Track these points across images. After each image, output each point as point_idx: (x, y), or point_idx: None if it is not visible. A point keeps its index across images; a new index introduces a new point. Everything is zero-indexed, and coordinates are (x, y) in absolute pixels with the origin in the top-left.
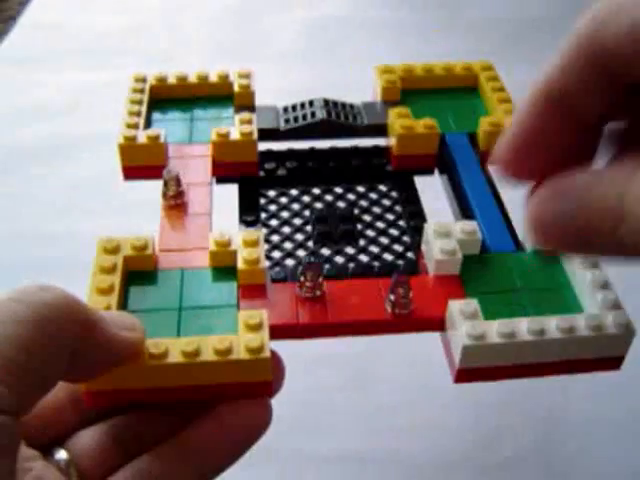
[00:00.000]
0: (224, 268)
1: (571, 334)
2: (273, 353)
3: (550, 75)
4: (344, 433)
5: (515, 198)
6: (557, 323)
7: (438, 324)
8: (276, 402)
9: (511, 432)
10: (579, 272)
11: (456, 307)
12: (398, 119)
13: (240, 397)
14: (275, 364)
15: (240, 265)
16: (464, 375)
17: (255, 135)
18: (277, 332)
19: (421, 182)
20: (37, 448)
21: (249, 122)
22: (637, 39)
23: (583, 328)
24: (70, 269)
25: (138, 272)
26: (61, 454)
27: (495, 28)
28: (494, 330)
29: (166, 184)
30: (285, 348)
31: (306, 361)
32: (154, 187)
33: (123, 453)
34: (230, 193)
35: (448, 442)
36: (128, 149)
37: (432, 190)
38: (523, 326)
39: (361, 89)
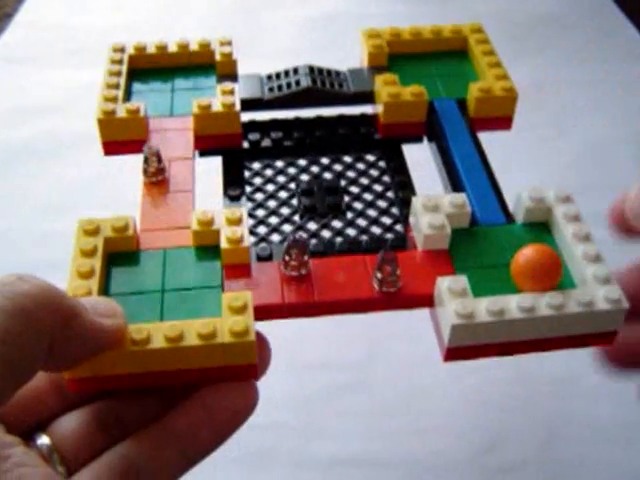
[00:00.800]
0: (207, 247)
1: (562, 311)
2: (258, 335)
3: None
4: (345, 436)
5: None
6: (547, 300)
7: (427, 301)
8: (276, 406)
9: (514, 435)
10: (570, 245)
11: (445, 284)
12: (385, 86)
13: (225, 380)
14: (261, 346)
15: (223, 244)
16: (453, 353)
17: (238, 106)
18: (263, 312)
19: (409, 150)
20: (17, 434)
21: (231, 93)
22: None
23: (574, 304)
24: (64, 270)
25: (119, 253)
26: (43, 439)
27: (498, 24)
28: (483, 308)
29: (146, 160)
30: (285, 351)
31: (306, 364)
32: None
33: (106, 437)
34: (213, 166)
35: (450, 445)
36: (107, 123)
37: (421, 158)
38: (513, 303)
39: None
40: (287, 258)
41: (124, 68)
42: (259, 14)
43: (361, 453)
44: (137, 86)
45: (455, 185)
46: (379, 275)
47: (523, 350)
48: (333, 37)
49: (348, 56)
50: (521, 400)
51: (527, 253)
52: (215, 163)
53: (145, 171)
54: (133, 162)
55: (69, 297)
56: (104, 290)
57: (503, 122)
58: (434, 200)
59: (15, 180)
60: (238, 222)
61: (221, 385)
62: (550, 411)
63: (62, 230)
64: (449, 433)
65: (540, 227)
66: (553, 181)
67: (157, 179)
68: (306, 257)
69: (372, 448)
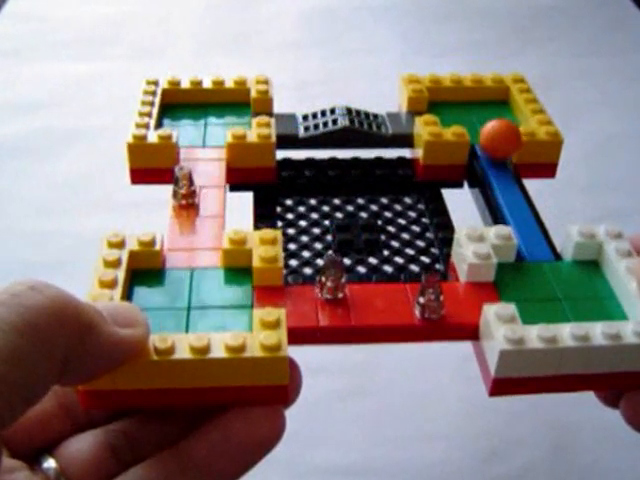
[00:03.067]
0: (238, 269)
1: (618, 341)
2: (290, 359)
3: None
4: (346, 444)
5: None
6: (602, 329)
7: (472, 331)
8: None
9: (521, 442)
10: (623, 281)
11: (492, 310)
12: (426, 126)
13: (253, 403)
14: (292, 372)
15: (256, 263)
16: (500, 386)
17: (273, 138)
18: (295, 336)
19: (449, 195)
20: (23, 457)
21: (267, 125)
22: None
23: (631, 335)
24: (55, 271)
25: (144, 270)
26: (49, 463)
27: (504, 14)
28: (534, 334)
29: (177, 182)
30: None
31: (304, 368)
32: (146, 187)
33: (117, 462)
34: (244, 201)
35: (456, 452)
36: (137, 149)
37: (461, 205)
38: (565, 331)
39: (364, 79)
40: (322, 279)
41: (157, 100)
42: (259, 5)
43: (362, 461)
44: (169, 120)
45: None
46: (421, 300)
47: (576, 387)
48: (333, 29)
49: (350, 49)
50: (528, 405)
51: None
52: (246, 198)
53: (175, 194)
54: (124, 162)
55: (86, 306)
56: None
57: (547, 169)
58: (479, 231)
59: (3, 179)
60: (272, 242)
61: (245, 409)
62: (559, 417)
63: (53, 230)
64: (453, 440)
65: (590, 264)
66: (561, 178)
67: (187, 202)
68: (343, 279)
69: (373, 456)
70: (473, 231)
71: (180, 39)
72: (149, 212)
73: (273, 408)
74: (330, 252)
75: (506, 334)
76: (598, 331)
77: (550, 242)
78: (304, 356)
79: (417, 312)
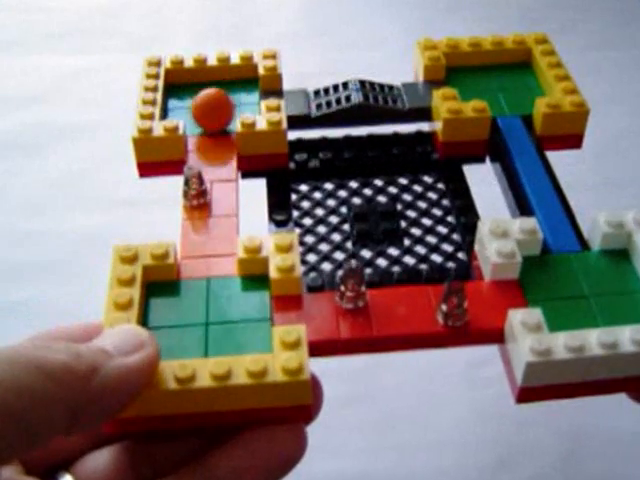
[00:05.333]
0: (255, 277)
1: None
2: (312, 376)
3: None
4: (348, 452)
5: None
6: (631, 335)
7: (497, 336)
8: None
9: (529, 451)
10: None
11: (517, 318)
12: (444, 102)
13: (275, 422)
14: (313, 387)
15: (273, 274)
16: (527, 394)
17: (284, 124)
18: (316, 349)
19: (470, 171)
20: (38, 474)
21: (277, 109)
22: None
23: None
24: (46, 271)
25: (159, 283)
26: (66, 479)
27: (510, 8)
28: (561, 344)
29: (187, 182)
30: None
31: None
32: (143, 184)
33: (137, 478)
34: (258, 188)
35: (463, 461)
36: (143, 143)
37: (483, 181)
38: (593, 338)
39: (365, 72)
40: (342, 289)
41: (160, 83)
42: None
43: (364, 470)
44: (174, 102)
45: (523, 208)
46: (444, 308)
47: (604, 391)
48: (334, 20)
49: (352, 40)
50: (537, 412)
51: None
52: (259, 183)
53: (185, 194)
54: (122, 159)
55: (86, 351)
56: (143, 322)
57: (573, 140)
58: (502, 225)
59: None
60: (289, 249)
61: (269, 427)
62: (570, 424)
63: (44, 230)
64: (460, 448)
65: (618, 254)
66: (573, 176)
67: (198, 202)
68: (363, 288)
69: (376, 464)
70: (496, 226)
71: (177, 30)
72: (147, 209)
73: (296, 426)
74: (349, 261)
75: (532, 345)
76: (627, 337)
77: (576, 228)
78: None
79: (440, 319)
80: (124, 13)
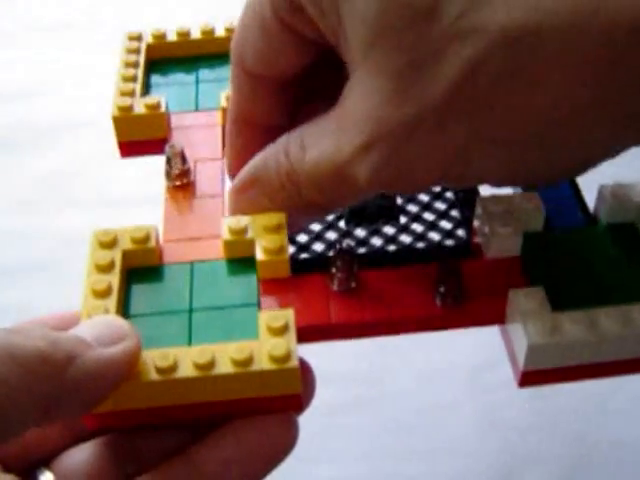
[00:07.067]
0: (241, 259)
1: None
2: (301, 361)
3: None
4: (348, 458)
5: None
6: None
7: (498, 317)
8: None
9: (536, 459)
10: None
11: (519, 298)
12: None
13: (264, 412)
14: (305, 376)
15: (259, 256)
16: (530, 378)
17: None
18: (306, 334)
19: None
20: (17, 471)
21: None
22: None
23: None
24: (38, 270)
25: (140, 268)
26: (46, 477)
27: None
28: (565, 324)
29: (169, 161)
30: None
31: None
32: (131, 183)
33: (119, 474)
34: None
35: (469, 470)
36: (124, 121)
37: None
38: (600, 317)
39: None
40: (333, 270)
41: (141, 59)
42: None
43: (366, 476)
44: (156, 79)
45: None
46: (441, 289)
47: (614, 372)
48: None
49: None
50: (544, 419)
51: None
52: None
53: (168, 174)
54: (112, 157)
55: (63, 340)
56: (123, 311)
57: None
58: (503, 200)
59: None
60: (277, 230)
61: (256, 417)
62: (577, 432)
63: (37, 228)
64: (465, 456)
65: (626, 228)
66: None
67: (182, 182)
68: (355, 269)
69: (377, 471)
70: (497, 201)
71: (170, 24)
72: (140, 208)
73: (286, 416)
74: (340, 241)
75: (535, 326)
76: (637, 314)
77: (582, 201)
78: None
79: (437, 300)
80: (113, 5)
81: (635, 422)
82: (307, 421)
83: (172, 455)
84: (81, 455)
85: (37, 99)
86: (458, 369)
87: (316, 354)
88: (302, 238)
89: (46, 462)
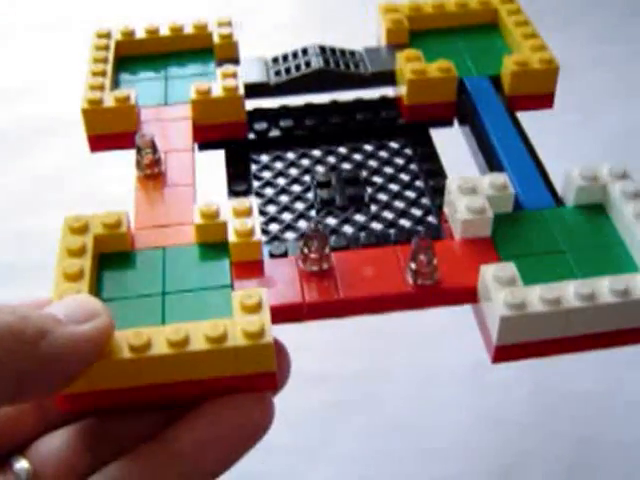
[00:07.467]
0: (213, 244)
1: (627, 297)
2: (275, 341)
3: None
4: (346, 459)
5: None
6: (610, 285)
7: (469, 295)
8: None
9: (535, 459)
10: (630, 227)
11: (490, 272)
12: (408, 63)
13: (240, 392)
14: (278, 353)
15: (232, 238)
16: (503, 353)
17: (241, 90)
18: (280, 314)
19: (439, 135)
20: None
21: (233, 75)
22: None
23: None
24: (38, 271)
25: (112, 254)
26: (21, 464)
27: None
28: (536, 297)
29: (139, 151)
30: None
31: (302, 377)
32: (129, 182)
33: (94, 458)
34: (216, 161)
35: (468, 468)
36: (93, 114)
37: (452, 144)
38: (570, 290)
39: None
40: (306, 251)
41: (111, 55)
42: None
43: (366, 476)
44: (125, 75)
45: (494, 168)
46: (413, 266)
47: (583, 346)
48: (333, 11)
49: (355, 33)
50: (544, 419)
51: None
52: (217, 157)
53: (138, 163)
54: (116, 153)
55: (34, 316)
56: (95, 294)
57: (543, 100)
58: (472, 181)
59: None
60: (247, 213)
61: (232, 397)
62: (577, 432)
63: (34, 228)
64: (464, 454)
65: (594, 208)
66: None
67: (152, 172)
68: (327, 249)
69: (375, 472)
70: (465, 182)
71: (167, 19)
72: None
73: (261, 395)
74: (312, 222)
75: (506, 298)
76: (605, 288)
77: (550, 184)
78: (301, 364)
79: (409, 278)
80: (108, 2)
81: (635, 423)
82: (307, 421)
83: (147, 440)
84: (56, 442)
85: (34, 97)
86: (458, 369)
87: (316, 354)
88: (273, 228)
89: (21, 449)
